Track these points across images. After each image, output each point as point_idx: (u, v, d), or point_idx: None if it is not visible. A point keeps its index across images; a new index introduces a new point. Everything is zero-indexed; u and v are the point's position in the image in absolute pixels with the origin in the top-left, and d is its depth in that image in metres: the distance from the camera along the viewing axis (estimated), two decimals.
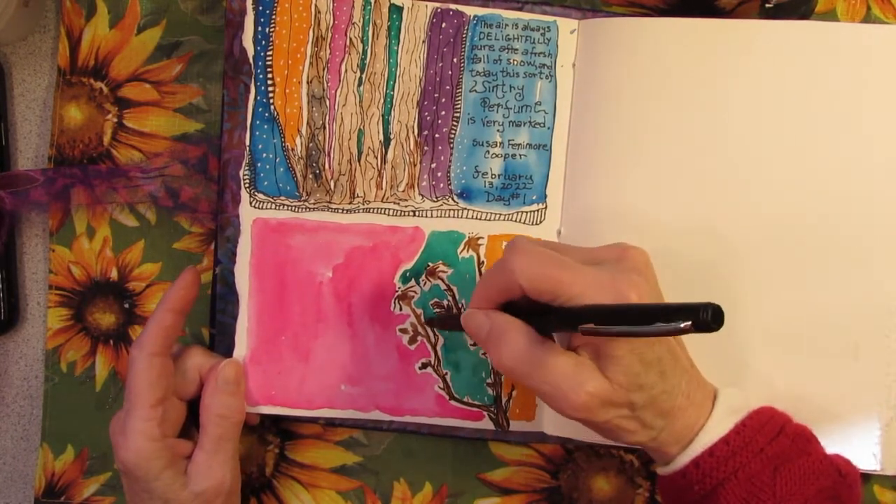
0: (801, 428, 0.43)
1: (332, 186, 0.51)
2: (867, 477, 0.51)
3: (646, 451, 0.43)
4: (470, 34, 0.51)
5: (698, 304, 0.32)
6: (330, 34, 0.51)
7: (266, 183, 0.51)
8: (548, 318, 0.40)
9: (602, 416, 0.40)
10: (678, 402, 0.41)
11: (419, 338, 0.51)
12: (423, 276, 0.51)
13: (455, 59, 0.51)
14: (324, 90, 0.51)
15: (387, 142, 0.51)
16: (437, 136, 0.51)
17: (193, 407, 0.49)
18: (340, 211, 0.51)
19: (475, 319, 0.42)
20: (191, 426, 0.49)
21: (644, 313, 0.35)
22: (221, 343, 0.52)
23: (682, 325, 0.33)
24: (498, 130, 0.51)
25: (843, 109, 0.49)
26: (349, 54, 0.51)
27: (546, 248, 0.41)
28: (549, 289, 0.39)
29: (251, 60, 0.50)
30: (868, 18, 0.52)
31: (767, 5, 0.48)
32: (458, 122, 0.51)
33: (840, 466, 0.43)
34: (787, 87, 0.49)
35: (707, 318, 0.32)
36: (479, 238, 0.51)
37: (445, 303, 0.51)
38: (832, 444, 0.45)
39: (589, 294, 0.38)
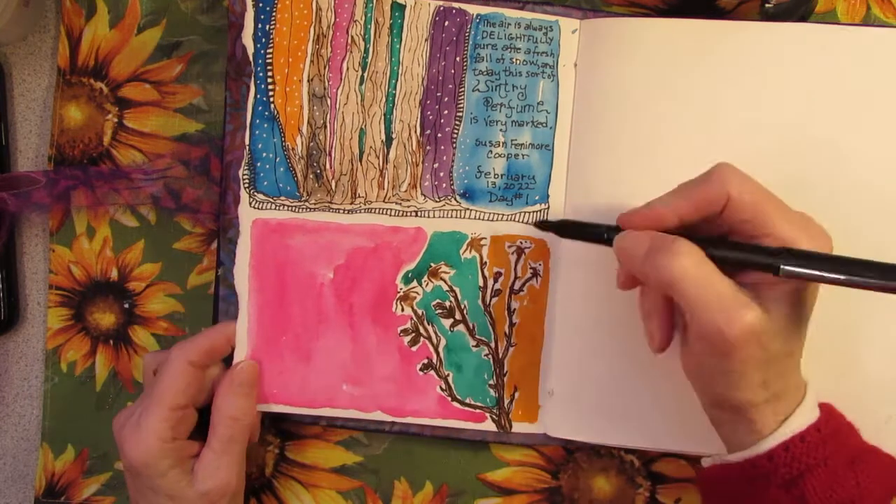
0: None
1: (334, 186, 0.51)
2: None
3: (724, 431, 0.42)
4: (473, 33, 0.50)
5: None
6: (331, 32, 0.50)
7: (266, 183, 0.50)
8: (717, 249, 0.40)
9: (745, 352, 0.38)
10: (791, 377, 0.41)
11: (421, 339, 0.51)
12: (426, 277, 0.51)
13: (458, 58, 0.51)
14: (325, 89, 0.50)
15: (389, 141, 0.51)
16: (439, 135, 0.51)
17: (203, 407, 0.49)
18: (341, 211, 0.51)
19: (634, 236, 0.42)
20: (200, 426, 0.49)
21: (879, 269, 0.37)
22: None
23: None
24: (501, 130, 0.51)
25: (843, 111, 0.49)
26: (351, 52, 0.50)
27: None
28: (762, 220, 0.39)
29: (251, 58, 0.50)
30: (868, 18, 0.52)
31: (767, 6, 0.48)
32: (460, 121, 0.51)
33: None
34: (786, 88, 0.49)
35: None
36: (481, 238, 0.51)
37: (447, 304, 0.51)
38: None
39: (802, 240, 0.38)
